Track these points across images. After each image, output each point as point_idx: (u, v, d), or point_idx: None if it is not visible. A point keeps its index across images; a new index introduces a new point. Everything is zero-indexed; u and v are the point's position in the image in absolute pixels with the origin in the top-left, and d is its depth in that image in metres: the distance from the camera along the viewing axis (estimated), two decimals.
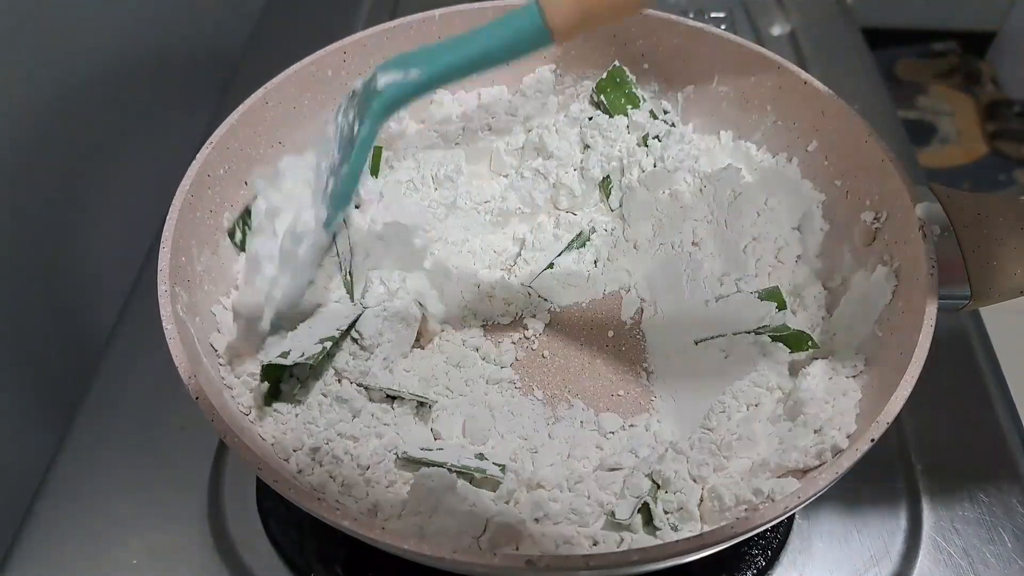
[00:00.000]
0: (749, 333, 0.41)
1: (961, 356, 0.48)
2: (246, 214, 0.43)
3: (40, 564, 0.41)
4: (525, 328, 0.46)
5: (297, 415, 0.38)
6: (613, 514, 0.34)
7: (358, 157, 0.37)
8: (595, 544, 0.33)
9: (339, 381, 0.40)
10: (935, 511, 0.42)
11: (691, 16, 0.49)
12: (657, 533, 0.34)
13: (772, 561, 0.40)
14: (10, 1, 0.53)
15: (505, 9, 0.48)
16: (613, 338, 0.46)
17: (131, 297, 0.52)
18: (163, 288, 0.35)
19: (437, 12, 0.49)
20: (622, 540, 0.33)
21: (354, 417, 0.39)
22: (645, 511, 0.34)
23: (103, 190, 0.66)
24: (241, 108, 0.43)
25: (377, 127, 0.36)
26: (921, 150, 1.47)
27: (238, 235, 0.43)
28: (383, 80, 0.35)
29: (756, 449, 0.36)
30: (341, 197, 0.38)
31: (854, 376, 0.38)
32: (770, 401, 0.39)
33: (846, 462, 0.29)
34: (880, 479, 0.43)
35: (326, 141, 0.39)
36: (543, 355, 0.45)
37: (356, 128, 0.36)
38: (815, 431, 0.35)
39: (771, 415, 0.38)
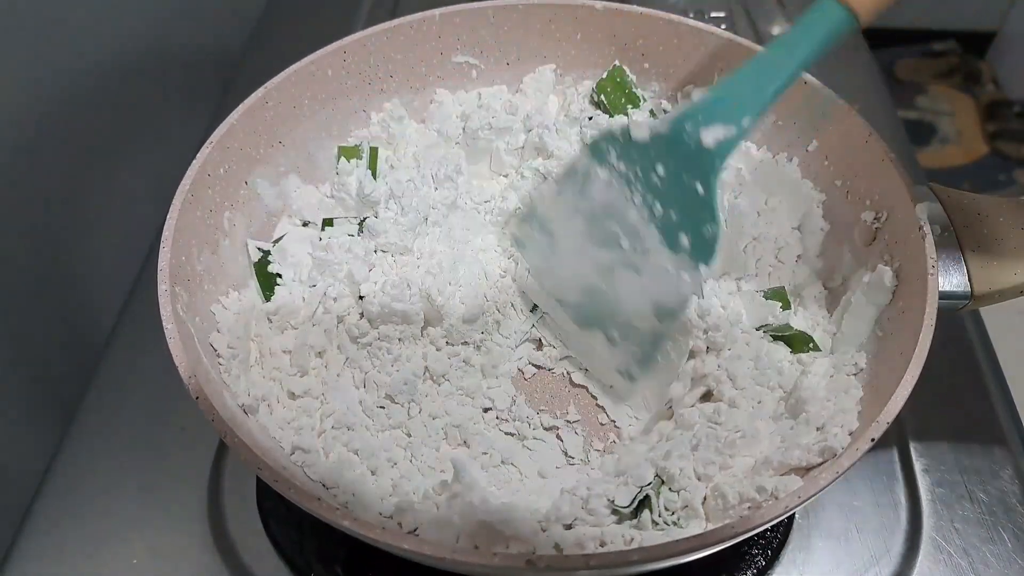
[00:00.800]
0: (756, 330, 0.41)
1: (962, 356, 0.48)
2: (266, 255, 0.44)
3: (40, 563, 0.41)
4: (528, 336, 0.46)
5: (295, 416, 0.39)
6: (614, 501, 0.34)
7: (714, 213, 0.35)
8: (602, 544, 0.33)
9: (338, 376, 0.40)
10: (935, 510, 0.42)
11: (691, 16, 0.49)
12: (656, 527, 0.34)
13: (772, 560, 0.40)
14: (11, 1, 0.53)
15: (504, 8, 0.49)
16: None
17: (131, 297, 0.52)
18: (163, 288, 0.35)
19: (437, 12, 0.49)
20: (631, 539, 0.33)
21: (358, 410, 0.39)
22: (647, 503, 0.34)
23: (104, 190, 0.66)
24: (241, 108, 0.42)
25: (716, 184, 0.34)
26: (921, 150, 1.47)
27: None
28: (710, 136, 0.33)
29: (759, 447, 0.36)
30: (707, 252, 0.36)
31: (855, 374, 0.38)
32: (772, 399, 0.39)
33: (846, 461, 0.29)
34: (880, 478, 0.43)
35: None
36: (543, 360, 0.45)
37: (696, 186, 0.34)
38: (817, 428, 0.35)
39: (773, 413, 0.38)
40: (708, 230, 0.35)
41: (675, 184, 0.35)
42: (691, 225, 0.35)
